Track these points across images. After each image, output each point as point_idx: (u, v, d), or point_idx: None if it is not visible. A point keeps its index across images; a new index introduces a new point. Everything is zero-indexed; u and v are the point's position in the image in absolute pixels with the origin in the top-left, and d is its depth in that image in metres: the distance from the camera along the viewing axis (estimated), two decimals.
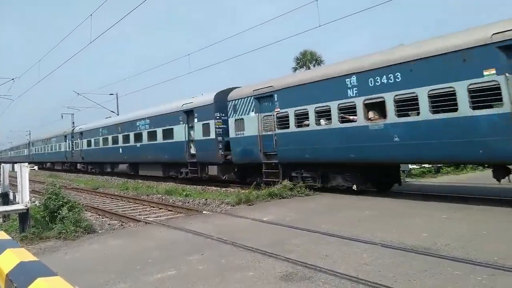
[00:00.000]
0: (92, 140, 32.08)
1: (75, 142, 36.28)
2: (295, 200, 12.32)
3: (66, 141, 39.06)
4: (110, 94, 43.07)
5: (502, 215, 8.15)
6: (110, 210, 13.46)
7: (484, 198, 9.98)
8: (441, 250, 6.06)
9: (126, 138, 26.00)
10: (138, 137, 24.29)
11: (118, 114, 38.94)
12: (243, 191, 13.90)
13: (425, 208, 9.61)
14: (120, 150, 26.71)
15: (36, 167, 10.41)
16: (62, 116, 50.49)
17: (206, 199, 13.94)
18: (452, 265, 5.32)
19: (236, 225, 9.28)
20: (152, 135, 22.80)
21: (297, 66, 37.50)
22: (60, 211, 9.54)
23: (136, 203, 15.11)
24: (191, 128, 19.35)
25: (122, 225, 10.86)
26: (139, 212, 13.12)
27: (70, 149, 37.44)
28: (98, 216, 12.61)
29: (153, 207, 13.93)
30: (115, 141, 27.53)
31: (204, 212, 11.56)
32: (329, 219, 8.96)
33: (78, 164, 37.00)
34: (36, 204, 9.75)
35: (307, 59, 37.48)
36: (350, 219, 8.87)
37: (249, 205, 12.05)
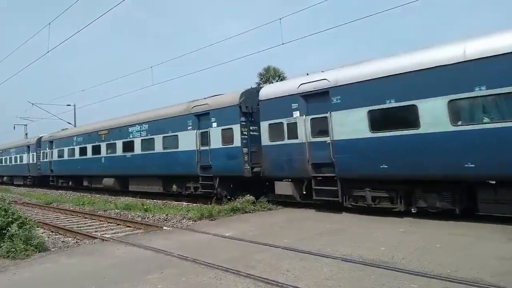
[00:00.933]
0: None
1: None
2: (258, 215, 12.31)
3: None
4: (68, 105, 41.60)
5: (453, 229, 8.53)
6: (64, 226, 12.81)
7: (438, 212, 10.38)
8: (398, 263, 6.25)
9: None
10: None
11: (75, 126, 37.54)
12: (205, 206, 13.71)
13: (382, 222, 9.89)
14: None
15: None
16: (14, 127, 48.02)
17: (167, 214, 13.62)
18: (409, 278, 5.49)
19: (198, 241, 9.11)
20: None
21: (260, 82, 37.92)
22: (10, 228, 8.97)
23: (93, 219, 14.50)
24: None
25: (77, 242, 10.36)
26: (96, 228, 12.60)
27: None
28: (51, 233, 11.96)
29: (111, 223, 13.42)
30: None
31: (164, 228, 11.27)
32: (291, 234, 9.01)
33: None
34: None
35: (270, 75, 38.04)
36: (311, 233, 8.96)
37: (212, 220, 11.90)
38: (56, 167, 29.51)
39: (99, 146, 23.59)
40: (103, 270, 6.96)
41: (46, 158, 30.97)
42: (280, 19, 14.76)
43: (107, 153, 22.83)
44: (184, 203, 17.18)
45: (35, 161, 32.96)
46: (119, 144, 21.70)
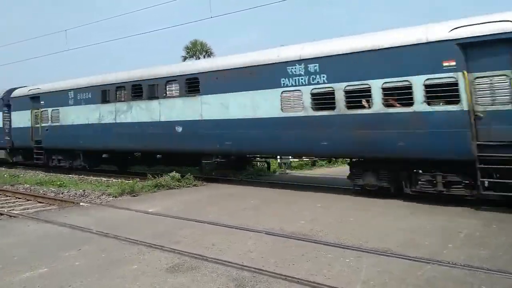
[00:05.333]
0: None
1: None
2: (183, 191, 12.18)
3: None
4: None
5: (364, 204, 9.28)
6: None
7: (348, 189, 11.18)
8: (316, 236, 6.66)
9: None
10: None
11: None
12: (126, 181, 13.19)
13: (302, 197, 10.41)
14: None
15: None
16: None
17: (84, 190, 12.87)
18: (326, 249, 5.90)
19: (119, 217, 8.79)
20: None
21: (187, 56, 36.83)
22: None
23: None
24: None
25: None
26: (1, 204, 11.47)
27: None
28: None
29: (19, 198, 12.33)
30: None
31: (81, 204, 10.66)
32: (216, 209, 9.10)
33: None
34: None
35: (197, 49, 37.06)
36: (236, 208, 9.14)
37: (134, 196, 11.51)
38: None
39: None
40: (11, 248, 6.44)
41: None
42: None
43: None
44: (104, 178, 16.35)
45: None
46: None
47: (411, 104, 8.89)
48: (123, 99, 15.07)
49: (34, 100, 19.09)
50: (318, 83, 10.24)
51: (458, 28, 8.42)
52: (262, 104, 11.26)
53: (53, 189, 13.56)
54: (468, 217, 7.66)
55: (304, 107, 10.47)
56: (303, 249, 5.95)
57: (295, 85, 10.60)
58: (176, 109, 13.28)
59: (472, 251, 5.65)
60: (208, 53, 37.19)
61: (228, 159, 13.74)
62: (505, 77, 7.84)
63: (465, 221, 7.35)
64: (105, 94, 15.63)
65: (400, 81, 9.02)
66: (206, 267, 5.27)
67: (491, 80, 8.00)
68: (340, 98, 9.86)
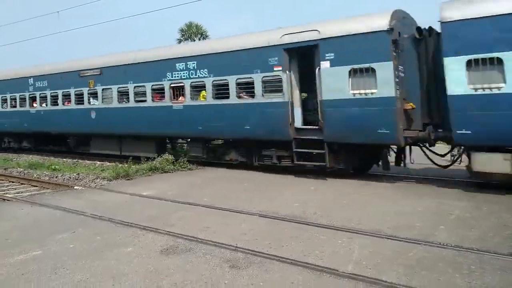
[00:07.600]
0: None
1: None
2: (178, 175, 12.18)
3: None
4: None
5: (357, 187, 9.33)
6: None
7: (345, 173, 11.25)
8: (309, 218, 6.72)
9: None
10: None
11: None
12: (121, 165, 13.16)
13: (296, 180, 10.44)
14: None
15: None
16: None
17: (78, 174, 12.83)
18: (319, 231, 5.96)
19: (114, 200, 8.80)
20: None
21: (181, 38, 36.31)
22: None
23: None
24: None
25: None
26: None
27: None
28: None
29: (13, 182, 12.29)
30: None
31: (76, 187, 10.65)
32: (211, 192, 9.12)
33: None
34: None
35: (192, 32, 36.51)
36: (230, 192, 9.17)
37: (128, 179, 11.49)
38: None
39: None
40: (5, 232, 6.45)
41: None
42: None
43: None
44: (98, 162, 16.30)
45: None
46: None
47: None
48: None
49: None
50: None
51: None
52: None
53: (47, 173, 13.52)
54: (459, 199, 7.75)
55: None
56: (296, 231, 6.01)
57: None
58: None
59: (463, 232, 5.74)
60: (203, 35, 36.66)
61: None
62: None
63: (456, 203, 7.43)
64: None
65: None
66: (200, 249, 5.32)
67: None
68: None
